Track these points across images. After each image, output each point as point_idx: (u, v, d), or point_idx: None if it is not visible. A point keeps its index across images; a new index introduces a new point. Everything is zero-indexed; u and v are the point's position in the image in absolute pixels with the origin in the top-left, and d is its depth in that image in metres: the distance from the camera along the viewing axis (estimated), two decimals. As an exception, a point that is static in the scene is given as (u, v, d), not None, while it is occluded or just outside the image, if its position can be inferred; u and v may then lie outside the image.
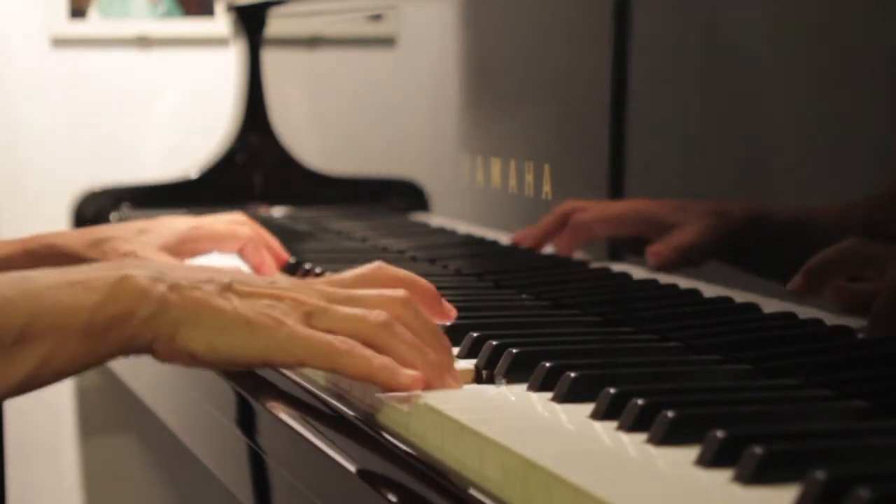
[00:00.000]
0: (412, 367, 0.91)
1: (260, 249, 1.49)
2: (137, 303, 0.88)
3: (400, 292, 0.95)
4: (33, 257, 1.38)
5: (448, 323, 1.02)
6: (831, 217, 0.97)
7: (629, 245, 1.24)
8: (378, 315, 0.92)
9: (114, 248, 1.40)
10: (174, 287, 0.90)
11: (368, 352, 0.90)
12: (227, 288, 0.91)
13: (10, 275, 0.89)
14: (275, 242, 1.53)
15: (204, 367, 0.94)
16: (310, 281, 0.98)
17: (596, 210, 1.26)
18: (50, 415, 2.45)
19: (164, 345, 0.90)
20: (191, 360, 0.91)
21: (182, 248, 1.48)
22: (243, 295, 0.91)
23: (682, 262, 1.13)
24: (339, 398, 0.96)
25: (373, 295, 0.95)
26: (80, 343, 0.88)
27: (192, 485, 2.40)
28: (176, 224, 1.50)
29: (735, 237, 1.09)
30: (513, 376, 0.92)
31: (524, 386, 0.89)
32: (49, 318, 0.87)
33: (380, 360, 0.90)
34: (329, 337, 0.90)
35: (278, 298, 0.92)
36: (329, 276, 1.01)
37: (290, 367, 0.94)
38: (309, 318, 0.92)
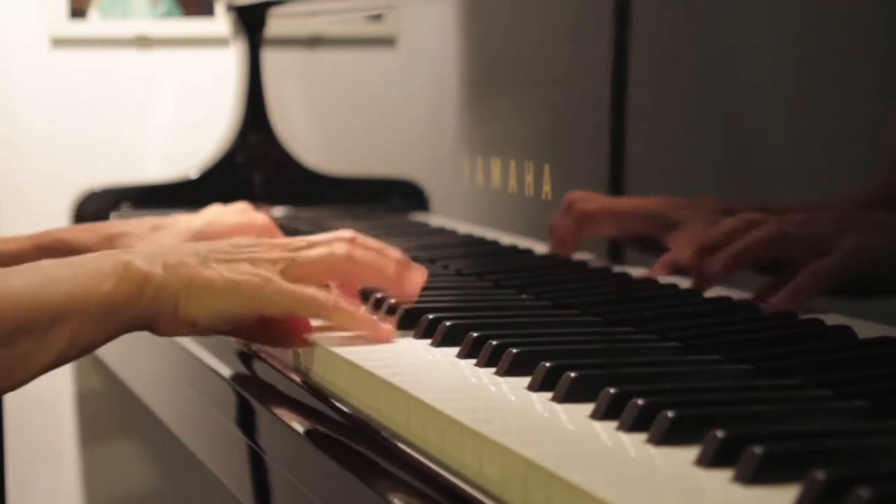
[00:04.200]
0: (384, 272, 1.07)
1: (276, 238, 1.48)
2: (142, 285, 0.99)
3: (346, 231, 1.09)
4: (44, 252, 1.37)
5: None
6: (829, 214, 0.97)
7: (634, 244, 1.24)
8: (340, 247, 1.06)
9: (126, 245, 1.40)
10: (166, 266, 1.00)
11: (352, 307, 1.04)
12: (207, 258, 1.02)
13: (26, 266, 0.99)
14: (278, 234, 1.53)
15: (204, 333, 1.05)
16: (266, 239, 1.10)
17: (600, 201, 1.26)
18: (50, 417, 2.45)
19: (165, 319, 1.00)
20: (192, 328, 1.02)
21: None
22: (222, 261, 1.02)
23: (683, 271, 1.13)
24: (336, 397, 0.96)
25: (325, 236, 1.08)
26: (100, 323, 0.98)
27: (192, 486, 2.40)
28: (190, 221, 1.50)
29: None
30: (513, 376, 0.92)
31: (524, 386, 0.89)
32: (75, 303, 0.97)
33: (361, 314, 1.04)
34: (314, 292, 1.03)
35: (254, 262, 1.03)
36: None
37: (279, 316, 1.05)
38: (284, 273, 1.03)
